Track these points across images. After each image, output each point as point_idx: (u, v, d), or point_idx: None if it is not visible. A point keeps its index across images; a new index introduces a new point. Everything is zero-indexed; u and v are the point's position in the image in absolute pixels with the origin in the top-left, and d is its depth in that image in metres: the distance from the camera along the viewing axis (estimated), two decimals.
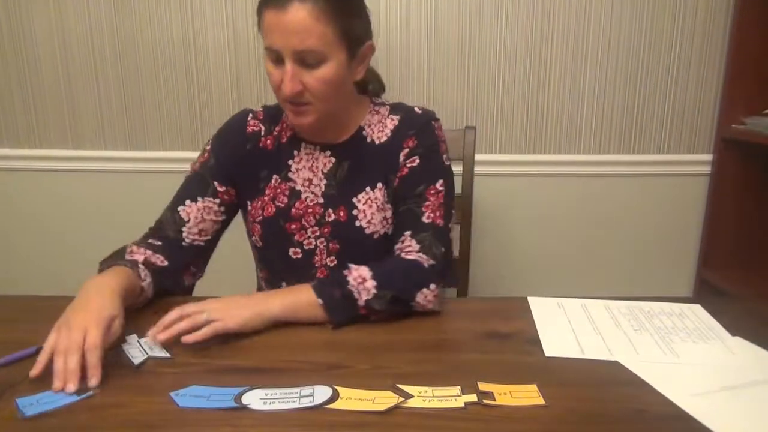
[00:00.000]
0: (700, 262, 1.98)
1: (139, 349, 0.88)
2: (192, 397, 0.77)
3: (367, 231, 1.11)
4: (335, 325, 0.95)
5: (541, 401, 0.76)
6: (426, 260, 1.03)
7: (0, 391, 0.77)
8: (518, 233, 1.98)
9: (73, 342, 0.79)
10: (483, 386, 0.79)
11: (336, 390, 0.78)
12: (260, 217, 1.15)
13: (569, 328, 0.96)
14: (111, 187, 1.98)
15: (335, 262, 1.14)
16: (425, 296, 0.99)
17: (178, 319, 0.88)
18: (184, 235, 1.11)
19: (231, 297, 0.95)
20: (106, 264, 1.01)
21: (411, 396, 0.77)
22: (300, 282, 1.00)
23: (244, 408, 0.74)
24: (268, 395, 0.77)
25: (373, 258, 1.05)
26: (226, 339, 0.90)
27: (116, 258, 1.03)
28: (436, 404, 0.75)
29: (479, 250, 1.96)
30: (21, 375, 0.80)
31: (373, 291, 0.96)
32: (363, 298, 0.96)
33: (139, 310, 1.00)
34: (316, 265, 1.15)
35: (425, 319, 1.01)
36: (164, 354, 0.87)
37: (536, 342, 0.91)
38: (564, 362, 0.86)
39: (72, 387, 0.77)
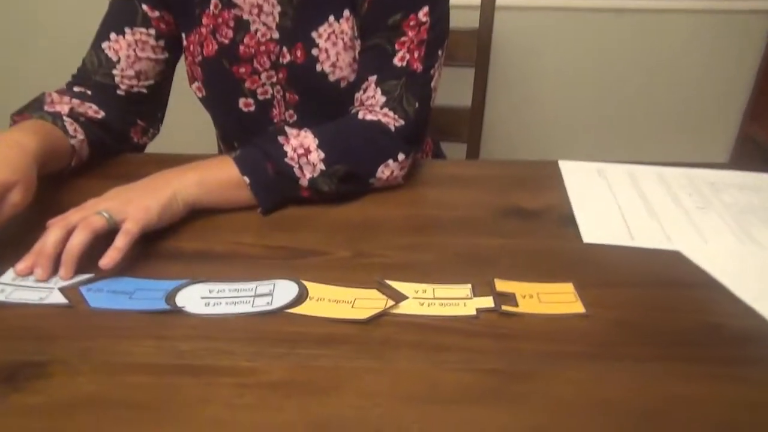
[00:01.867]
0: (747, 114, 1.73)
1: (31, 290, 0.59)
2: (110, 293, 0.58)
3: (332, 78, 0.85)
4: (265, 210, 0.73)
5: (579, 309, 0.56)
6: (393, 120, 0.79)
7: None
8: (545, 80, 1.70)
9: None
10: (501, 285, 0.59)
11: (304, 286, 0.59)
12: (199, 57, 0.88)
13: (614, 204, 0.75)
14: None
15: (295, 118, 0.90)
16: (391, 171, 0.77)
17: (65, 236, 0.60)
18: (117, 80, 0.86)
19: (125, 186, 0.68)
20: (19, 117, 0.78)
21: (405, 297, 0.58)
22: None
23: (179, 311, 0.55)
24: (213, 293, 0.58)
25: (344, 113, 0.82)
26: None
27: (32, 110, 0.79)
28: (437, 310, 0.56)
29: (496, 100, 1.68)
30: None
31: (320, 167, 0.73)
32: (306, 176, 0.73)
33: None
34: (275, 120, 0.91)
35: (425, 188, 0.80)
36: (63, 300, 0.57)
37: (571, 223, 0.71)
38: (608, 252, 0.66)
39: None
